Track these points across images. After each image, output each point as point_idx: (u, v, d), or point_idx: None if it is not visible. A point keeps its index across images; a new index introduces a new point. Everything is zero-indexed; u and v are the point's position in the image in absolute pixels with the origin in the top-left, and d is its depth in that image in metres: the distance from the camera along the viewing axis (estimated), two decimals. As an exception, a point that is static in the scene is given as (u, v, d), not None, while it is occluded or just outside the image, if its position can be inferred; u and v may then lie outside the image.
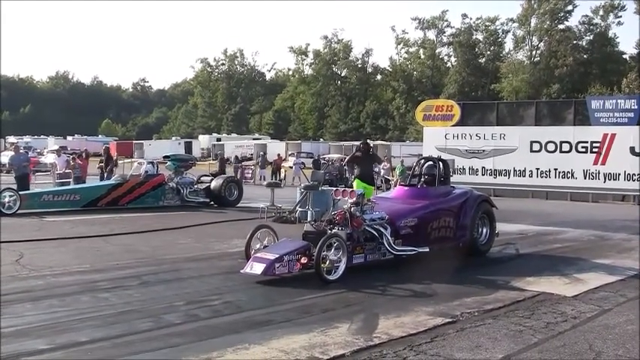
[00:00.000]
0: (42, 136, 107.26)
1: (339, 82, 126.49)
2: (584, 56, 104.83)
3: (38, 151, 75.12)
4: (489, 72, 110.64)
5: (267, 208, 21.11)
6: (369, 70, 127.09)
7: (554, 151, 33.20)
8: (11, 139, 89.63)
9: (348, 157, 19.77)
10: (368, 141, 20.25)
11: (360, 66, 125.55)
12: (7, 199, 20.05)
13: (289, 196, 24.18)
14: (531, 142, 33.78)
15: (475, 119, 36.70)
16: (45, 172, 37.72)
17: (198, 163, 73.16)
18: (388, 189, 30.48)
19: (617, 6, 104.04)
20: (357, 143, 22.84)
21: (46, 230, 16.92)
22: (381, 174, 42.43)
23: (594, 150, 32.13)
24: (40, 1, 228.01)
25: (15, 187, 22.37)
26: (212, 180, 25.57)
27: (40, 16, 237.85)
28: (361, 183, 17.29)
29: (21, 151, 29.71)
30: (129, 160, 45.78)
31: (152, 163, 25.22)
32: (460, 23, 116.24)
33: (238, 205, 24.81)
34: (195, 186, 25.13)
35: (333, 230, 11.40)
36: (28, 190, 23.18)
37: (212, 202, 24.90)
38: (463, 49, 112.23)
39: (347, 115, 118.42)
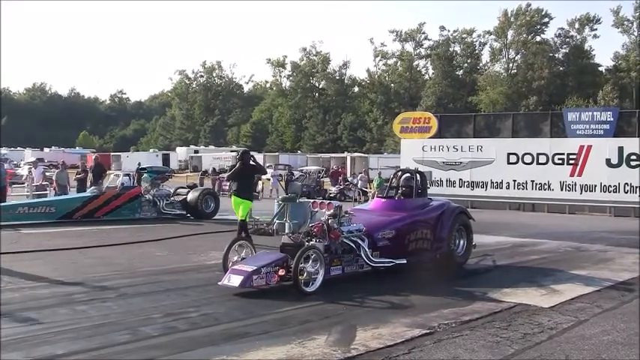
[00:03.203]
0: (19, 148, 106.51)
1: (317, 94, 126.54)
2: (561, 68, 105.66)
3: (15, 163, 74.60)
4: (467, 84, 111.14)
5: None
6: (347, 82, 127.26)
7: (531, 163, 33.44)
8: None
9: (228, 173, 18.64)
10: (247, 150, 18.65)
11: (337, 78, 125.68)
12: (-20, 212, 19.89)
13: (267, 208, 24.15)
14: (508, 154, 34.01)
15: (452, 131, 36.87)
16: (20, 184, 37.50)
17: (175, 175, 73.23)
18: (366, 201, 30.61)
19: (593, 19, 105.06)
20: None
21: (22, 243, 16.80)
22: (359, 185, 42.68)
23: (571, 162, 32.40)
24: (16, 13, 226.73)
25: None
26: (189, 192, 25.39)
27: (17, 27, 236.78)
28: (238, 199, 16.61)
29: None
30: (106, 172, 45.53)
31: (129, 175, 25.14)
32: (438, 35, 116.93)
33: (215, 217, 24.71)
34: (172, 198, 25.03)
35: (311, 242, 11.40)
36: (5, 202, 22.98)
37: (188, 215, 24.77)
38: (441, 61, 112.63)
39: (324, 127, 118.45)
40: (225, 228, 20.93)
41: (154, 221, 23.23)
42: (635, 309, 10.40)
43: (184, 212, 24.89)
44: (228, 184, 41.33)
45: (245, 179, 17.01)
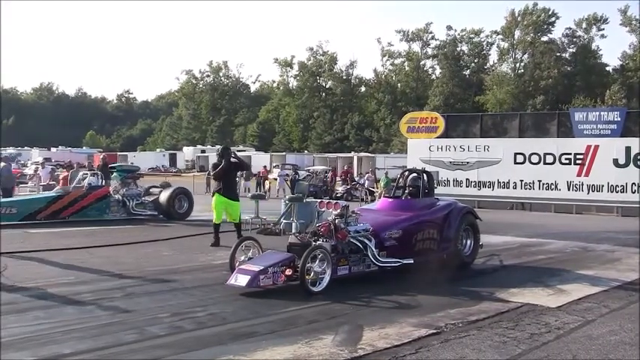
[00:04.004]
0: (26, 148, 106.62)
1: (324, 93, 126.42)
2: (568, 68, 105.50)
3: (22, 162, 74.77)
4: (474, 84, 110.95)
5: (251, 219, 21.05)
6: (354, 82, 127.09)
7: (538, 162, 33.41)
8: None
9: (213, 172, 17.22)
10: (227, 147, 18.03)
11: (344, 78, 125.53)
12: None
13: (274, 207, 24.12)
14: (515, 154, 33.98)
15: (459, 131, 36.87)
16: (25, 183, 37.62)
17: (182, 175, 73.17)
18: (372, 200, 30.60)
19: (600, 19, 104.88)
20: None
21: (30, 242, 16.84)
22: (365, 185, 42.72)
23: (578, 162, 32.37)
24: (23, 13, 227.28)
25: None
26: (161, 192, 24.50)
27: (24, 27, 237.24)
28: (222, 198, 16.38)
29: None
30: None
31: (96, 174, 24.06)
32: (445, 35, 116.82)
33: (188, 218, 23.98)
34: (143, 198, 24.18)
35: (318, 242, 11.40)
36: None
37: (161, 215, 24.05)
38: (448, 61, 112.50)
39: (331, 127, 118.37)
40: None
41: (123, 222, 22.56)
42: (642, 309, 10.39)
43: (156, 213, 24.04)
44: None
45: (229, 177, 16.77)
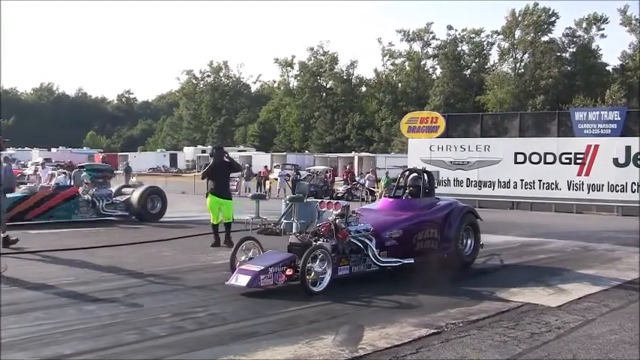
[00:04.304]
0: (26, 148, 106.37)
1: (325, 93, 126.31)
2: (568, 68, 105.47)
3: (22, 163, 74.66)
4: (474, 84, 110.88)
5: (252, 219, 21.05)
6: (355, 81, 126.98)
7: (539, 162, 33.46)
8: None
9: (202, 171, 17.44)
10: (221, 146, 18.05)
11: (345, 78, 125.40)
12: None
13: (275, 208, 24.11)
14: (515, 154, 34.05)
15: (460, 131, 36.91)
16: (23, 184, 37.56)
17: (183, 175, 73.18)
18: (373, 200, 30.61)
19: (600, 19, 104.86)
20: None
21: (30, 243, 16.79)
22: (366, 185, 42.72)
23: (578, 161, 32.41)
24: (23, 13, 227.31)
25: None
26: (134, 191, 23.78)
27: (24, 27, 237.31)
28: (215, 198, 16.43)
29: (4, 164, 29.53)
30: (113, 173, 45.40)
31: (64, 174, 23.57)
32: (445, 35, 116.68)
33: (162, 219, 23.47)
34: (114, 198, 23.43)
35: (318, 242, 11.41)
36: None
37: (133, 217, 23.38)
38: (448, 61, 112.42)
39: (332, 127, 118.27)
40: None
41: (93, 224, 21.79)
42: (642, 308, 10.40)
43: (127, 213, 23.37)
44: (235, 185, 41.16)
45: (221, 177, 16.74)
